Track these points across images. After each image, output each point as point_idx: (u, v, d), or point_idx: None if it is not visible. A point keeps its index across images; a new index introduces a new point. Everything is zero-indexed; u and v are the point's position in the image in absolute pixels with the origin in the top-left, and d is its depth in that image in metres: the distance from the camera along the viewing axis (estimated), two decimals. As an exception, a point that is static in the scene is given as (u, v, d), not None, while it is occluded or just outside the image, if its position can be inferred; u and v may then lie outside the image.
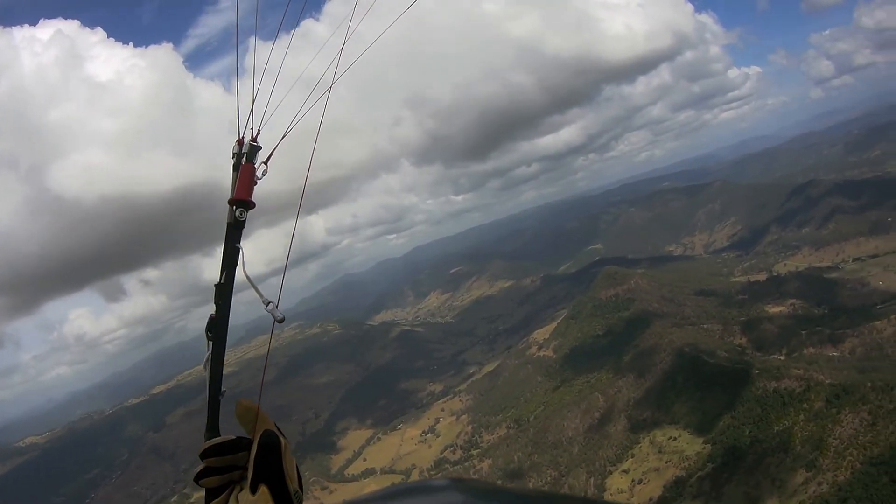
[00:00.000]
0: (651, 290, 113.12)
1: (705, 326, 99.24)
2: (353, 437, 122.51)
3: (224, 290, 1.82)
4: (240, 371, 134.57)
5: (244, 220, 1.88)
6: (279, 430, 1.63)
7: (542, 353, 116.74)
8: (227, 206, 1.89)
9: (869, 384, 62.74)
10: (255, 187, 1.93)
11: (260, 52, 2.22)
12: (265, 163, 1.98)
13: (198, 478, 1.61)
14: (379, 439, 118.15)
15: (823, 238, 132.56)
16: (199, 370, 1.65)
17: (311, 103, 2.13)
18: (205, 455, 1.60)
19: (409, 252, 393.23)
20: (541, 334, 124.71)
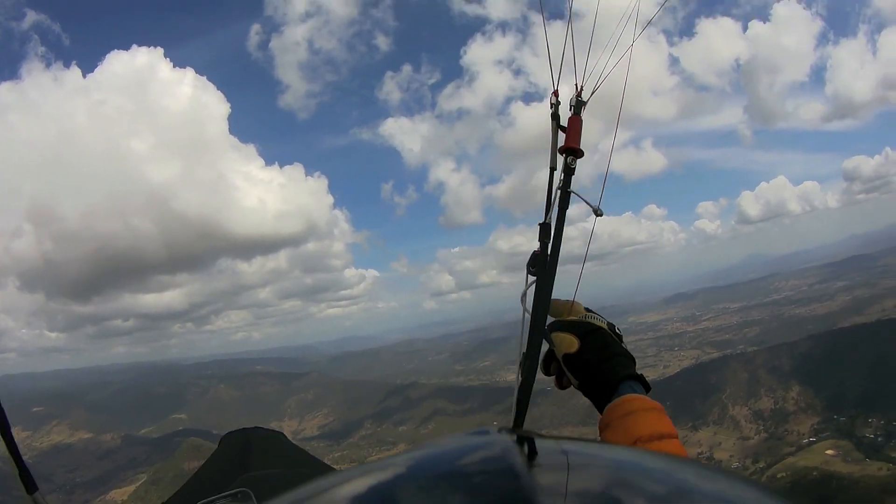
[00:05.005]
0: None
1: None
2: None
3: (549, 230, 1.96)
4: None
5: (574, 167, 2.04)
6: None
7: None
8: (557, 153, 2.03)
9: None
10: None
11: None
12: (580, 115, 2.16)
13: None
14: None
15: (422, 436, 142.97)
16: None
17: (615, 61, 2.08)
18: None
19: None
20: (119, 494, 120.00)
